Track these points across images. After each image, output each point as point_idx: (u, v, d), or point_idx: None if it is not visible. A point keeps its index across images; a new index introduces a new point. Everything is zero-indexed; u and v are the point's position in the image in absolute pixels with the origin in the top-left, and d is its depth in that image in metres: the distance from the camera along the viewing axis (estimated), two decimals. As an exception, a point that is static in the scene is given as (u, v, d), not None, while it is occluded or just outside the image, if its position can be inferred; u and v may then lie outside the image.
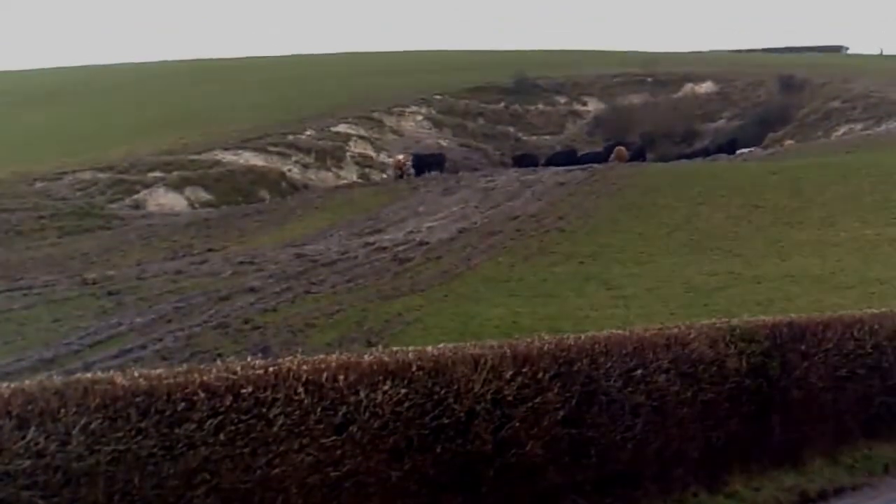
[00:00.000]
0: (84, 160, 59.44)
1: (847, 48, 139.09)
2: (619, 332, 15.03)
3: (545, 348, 13.22)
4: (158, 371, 10.65)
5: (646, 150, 72.41)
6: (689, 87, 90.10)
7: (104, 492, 9.46)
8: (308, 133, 69.70)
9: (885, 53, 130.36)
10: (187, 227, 46.29)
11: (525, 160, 69.05)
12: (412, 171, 61.44)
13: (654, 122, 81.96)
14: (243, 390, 10.47)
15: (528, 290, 29.37)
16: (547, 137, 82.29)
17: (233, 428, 10.27)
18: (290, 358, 11.56)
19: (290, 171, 63.91)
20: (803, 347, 16.29)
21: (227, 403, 10.30)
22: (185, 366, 11.24)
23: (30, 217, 48.25)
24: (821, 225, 37.54)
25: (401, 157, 64.37)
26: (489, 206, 45.06)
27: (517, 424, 12.44)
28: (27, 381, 10.07)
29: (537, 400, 12.66)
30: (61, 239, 44.62)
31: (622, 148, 67.50)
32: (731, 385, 15.15)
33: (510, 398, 12.42)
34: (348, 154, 69.64)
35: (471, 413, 12.03)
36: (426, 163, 63.28)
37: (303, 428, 10.73)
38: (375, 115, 77.06)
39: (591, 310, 26.46)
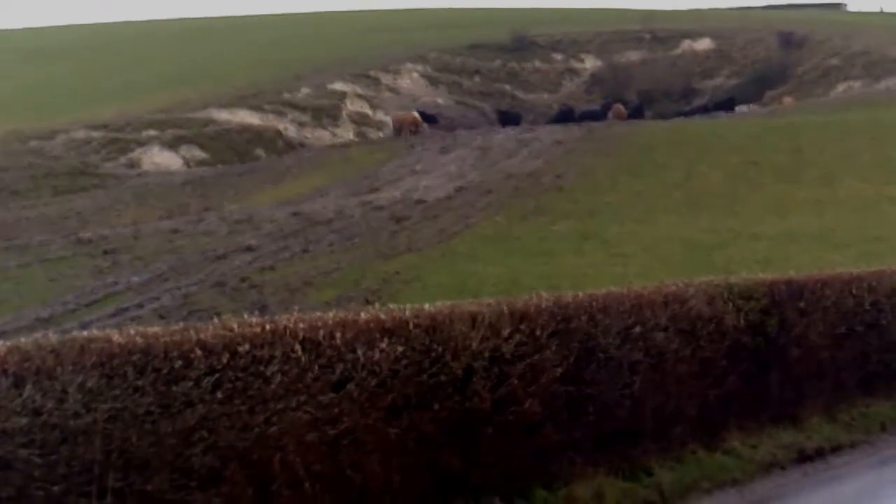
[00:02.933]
0: (78, 119, 59.10)
1: (846, 5, 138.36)
2: (618, 289, 15.01)
3: (543, 306, 13.19)
4: (155, 329, 10.61)
5: (644, 107, 72.14)
6: (687, 44, 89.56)
7: (101, 450, 9.45)
8: (304, 91, 69.33)
9: (884, 11, 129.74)
10: (183, 186, 46.12)
11: (508, 117, 68.79)
12: (425, 127, 61.08)
13: (652, 79, 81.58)
14: (240, 348, 10.44)
15: (526, 248, 29.32)
16: (544, 95, 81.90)
17: (230, 386, 10.25)
18: (287, 316, 11.53)
19: (286, 129, 63.65)
20: (802, 305, 16.29)
21: (225, 361, 10.28)
22: (182, 324, 11.21)
23: (24, 176, 48.01)
24: (820, 183, 37.45)
25: (415, 113, 63.91)
26: (486, 164, 44.89)
27: (515, 382, 12.43)
28: (23, 340, 10.03)
29: (535, 357, 12.65)
30: (56, 198, 44.43)
31: (620, 106, 67.26)
32: (730, 343, 15.16)
33: (508, 355, 12.41)
34: (344, 112, 69.31)
35: (468, 370, 12.02)
36: (427, 120, 63.10)
37: (300, 385, 10.71)
38: (372, 73, 76.60)
39: (589, 268, 26.42)
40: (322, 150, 58.38)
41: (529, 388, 12.56)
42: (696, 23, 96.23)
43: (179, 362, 10.05)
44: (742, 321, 15.32)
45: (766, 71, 79.77)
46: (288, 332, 10.89)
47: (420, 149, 51.24)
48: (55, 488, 9.11)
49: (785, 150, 42.93)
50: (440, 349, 11.82)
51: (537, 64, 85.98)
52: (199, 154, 56.91)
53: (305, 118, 66.07)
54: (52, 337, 10.12)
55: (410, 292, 23.59)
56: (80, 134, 56.39)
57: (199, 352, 10.19)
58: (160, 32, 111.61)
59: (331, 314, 11.73)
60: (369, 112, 70.99)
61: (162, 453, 9.70)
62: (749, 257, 26.52)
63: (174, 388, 9.94)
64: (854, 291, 17.13)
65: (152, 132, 57.62)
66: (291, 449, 10.59)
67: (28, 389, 9.29)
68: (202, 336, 10.40)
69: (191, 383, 10.04)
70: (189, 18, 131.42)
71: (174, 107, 62.81)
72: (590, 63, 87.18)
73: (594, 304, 13.78)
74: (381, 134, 65.98)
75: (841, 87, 72.67)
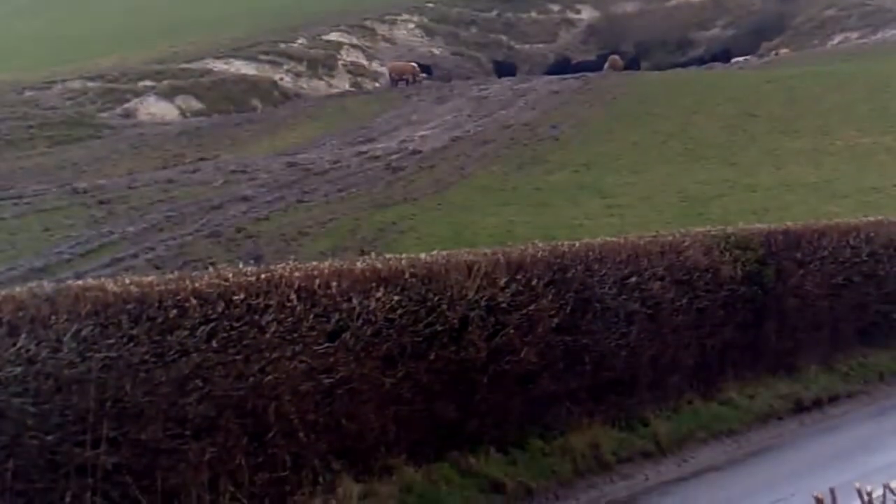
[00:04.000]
0: (73, 69, 58.69)
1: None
2: (614, 239, 14.97)
3: (539, 255, 13.15)
4: (150, 278, 10.58)
5: (640, 58, 71.68)
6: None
7: (96, 399, 9.40)
8: (300, 41, 68.80)
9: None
10: (178, 136, 45.84)
11: (504, 68, 68.28)
12: (423, 76, 60.64)
13: (649, 30, 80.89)
14: (235, 297, 10.37)
15: (522, 198, 29.23)
16: (540, 46, 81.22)
17: (225, 335, 10.20)
18: (282, 265, 11.47)
19: (281, 79, 63.23)
20: (799, 255, 16.25)
21: (220, 310, 10.22)
22: (177, 274, 11.13)
23: (19, 126, 47.67)
24: (816, 133, 37.23)
25: (415, 63, 63.38)
26: (482, 114, 44.63)
27: (511, 332, 12.39)
28: (17, 289, 9.97)
29: (531, 307, 12.60)
30: (51, 148, 44.14)
31: (616, 57, 66.75)
32: (726, 293, 15.12)
33: (504, 305, 12.36)
34: (340, 63, 68.85)
35: (464, 320, 11.97)
36: (423, 71, 62.66)
37: (295, 335, 10.66)
38: (368, 23, 75.97)
39: (585, 218, 26.36)
40: (318, 100, 58.03)
41: (525, 338, 12.52)
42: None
43: (174, 311, 9.98)
44: (739, 271, 15.27)
45: (762, 22, 79.06)
46: (283, 281, 10.83)
47: (416, 99, 50.94)
48: (49, 437, 9.08)
49: (781, 101, 42.70)
50: (436, 299, 11.76)
51: (534, 15, 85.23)
52: (194, 104, 56.56)
53: (301, 68, 65.63)
54: (47, 286, 10.06)
55: (406, 242, 23.52)
56: (76, 84, 56.02)
57: (194, 301, 10.11)
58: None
59: (326, 263, 11.67)
60: (365, 62, 70.50)
61: (156, 402, 9.66)
62: (745, 208, 26.46)
63: (169, 338, 9.88)
64: (851, 242, 17.08)
65: (148, 82, 57.25)
66: (286, 398, 10.55)
67: (23, 338, 9.23)
68: (197, 285, 10.33)
69: (186, 332, 9.98)
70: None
71: (170, 57, 62.37)
72: (586, 14, 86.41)
73: (590, 253, 13.72)
74: (376, 84, 65.56)
75: (837, 38, 72.16)
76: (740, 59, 70.09)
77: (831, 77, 48.03)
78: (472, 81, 60.65)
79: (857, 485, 4.71)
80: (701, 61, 71.52)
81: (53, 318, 9.44)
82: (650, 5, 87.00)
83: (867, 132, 36.69)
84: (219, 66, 61.85)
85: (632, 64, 67.51)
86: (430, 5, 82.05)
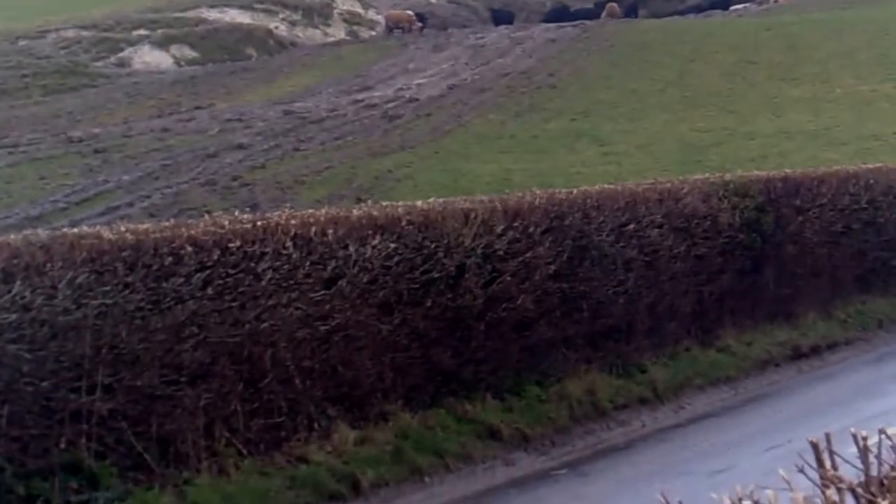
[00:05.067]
0: (67, 18, 58.22)
1: None
2: (612, 187, 15.00)
3: (537, 203, 13.12)
4: (146, 226, 10.58)
5: (638, 5, 71.07)
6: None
7: (91, 345, 9.39)
8: (296, -10, 68.25)
9: None
10: (173, 85, 45.58)
11: (500, 16, 67.70)
12: (419, 25, 60.16)
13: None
14: (231, 244, 10.35)
15: (520, 146, 29.12)
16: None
17: (221, 282, 10.18)
18: (278, 213, 11.51)
19: (277, 28, 62.76)
20: (798, 202, 16.21)
21: (215, 258, 10.20)
22: (172, 221, 11.15)
23: (13, 76, 47.40)
24: (815, 81, 37.00)
25: (411, 12, 62.83)
26: (479, 62, 44.34)
27: (508, 279, 12.38)
28: (13, 236, 9.97)
29: (528, 254, 12.59)
30: (46, 97, 43.89)
31: (614, 4, 66.19)
32: (725, 240, 15.10)
33: (501, 252, 12.35)
34: (336, 11, 68.30)
35: (461, 267, 11.96)
36: (419, 19, 62.19)
37: (291, 282, 10.65)
38: (364, -30, 75.35)
39: (582, 166, 26.29)
40: (313, 48, 57.63)
41: (522, 286, 12.52)
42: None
43: (170, 259, 9.95)
44: (737, 218, 15.24)
45: (760, -31, 78.35)
46: (279, 228, 10.80)
47: (413, 47, 50.60)
48: (45, 384, 9.08)
49: (780, 49, 42.42)
50: (433, 246, 11.74)
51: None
52: (189, 53, 56.17)
53: (297, 17, 65.10)
54: (43, 234, 10.09)
55: (403, 190, 23.45)
56: (70, 33, 55.57)
57: (189, 248, 10.08)
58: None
59: (323, 211, 11.72)
60: (361, 11, 69.94)
61: (152, 349, 9.65)
62: (744, 155, 26.32)
63: (164, 285, 9.85)
64: (851, 189, 17.04)
65: (143, 31, 56.82)
66: (282, 345, 10.56)
67: (18, 285, 9.18)
68: (193, 233, 10.31)
69: (181, 279, 9.95)
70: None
71: (165, 6, 61.85)
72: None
73: (588, 201, 13.68)
74: (373, 33, 65.09)
75: (836, -15, 71.50)
76: (739, 6, 69.48)
77: (831, 24, 47.67)
78: (468, 30, 60.26)
79: (853, 430, 4.68)
80: (699, 9, 70.84)
81: (49, 265, 9.40)
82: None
83: (866, 79, 36.48)
84: (213, 14, 61.35)
85: (630, 11, 66.96)
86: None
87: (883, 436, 5.02)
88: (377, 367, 11.28)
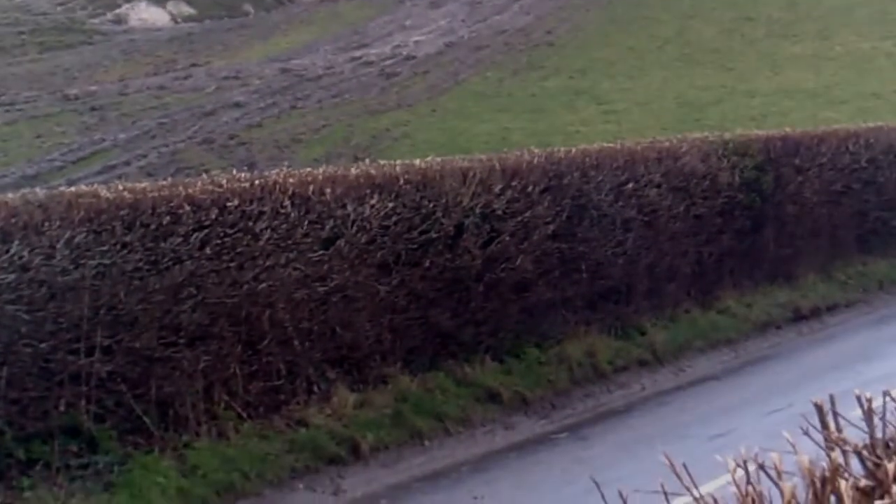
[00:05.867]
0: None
1: None
2: (610, 145, 14.90)
3: (535, 162, 13.05)
4: (143, 185, 10.58)
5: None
6: None
7: (89, 306, 9.36)
8: (291, -56, 67.69)
9: None
10: (170, 42, 45.34)
11: None
12: None
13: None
14: (229, 203, 10.31)
15: (518, 105, 29.01)
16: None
17: (219, 242, 10.16)
18: (276, 171, 11.45)
19: (273, -17, 62.32)
20: (797, 161, 16.10)
21: (213, 217, 10.16)
22: (170, 180, 11.10)
23: (9, 32, 47.09)
24: (815, 38, 36.78)
25: None
26: (476, 19, 44.09)
27: (507, 239, 12.35)
28: (10, 195, 9.96)
29: (527, 214, 12.54)
30: (42, 55, 43.63)
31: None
32: (724, 199, 15.03)
33: (499, 212, 12.30)
34: (333, -35, 67.81)
35: (459, 227, 11.92)
36: None
37: (289, 242, 10.62)
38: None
39: (581, 125, 26.21)
40: (311, 4, 57.25)
41: (521, 246, 12.48)
42: None
43: (168, 218, 9.90)
44: (737, 178, 15.16)
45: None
46: (277, 187, 10.75)
47: (410, 4, 50.27)
48: (43, 345, 9.06)
49: (780, 5, 42.10)
50: (431, 205, 11.69)
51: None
52: (186, 9, 55.78)
53: (294, -27, 64.63)
54: (40, 192, 10.00)
55: (400, 149, 23.37)
56: (67, -10, 55.18)
57: (187, 207, 10.03)
58: None
59: (320, 170, 11.63)
60: (358, -34, 69.45)
61: (150, 310, 9.62)
62: (743, 114, 26.27)
63: (162, 244, 9.82)
64: (851, 148, 16.90)
65: (139, -13, 56.43)
66: (280, 306, 10.53)
67: (15, 245, 9.16)
68: (190, 191, 10.25)
69: (179, 239, 9.92)
70: None
71: (162, -40, 61.37)
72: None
73: (587, 160, 13.60)
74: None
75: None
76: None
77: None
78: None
79: (857, 392, 4.65)
80: (698, -34, 70.42)
81: (46, 224, 9.37)
82: None
83: (867, 37, 36.27)
84: (210, -32, 60.89)
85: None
86: None
87: (888, 398, 4.99)
88: (376, 329, 11.26)
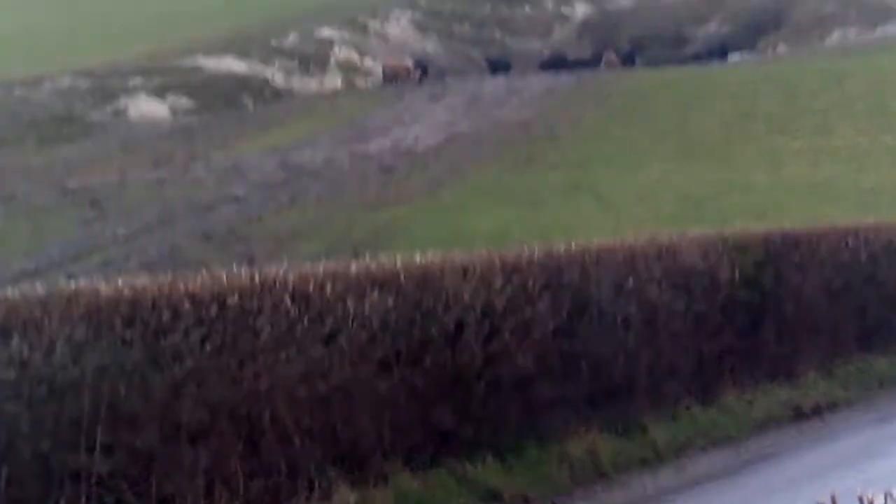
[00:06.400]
0: (62, 66, 58.70)
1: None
2: (610, 242, 14.98)
3: (535, 258, 13.11)
4: (143, 280, 10.58)
5: (635, 55, 71.87)
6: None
7: (90, 403, 9.36)
8: (291, 38, 68.88)
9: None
10: (169, 135, 46.01)
11: (497, 65, 68.42)
12: (418, 74, 60.59)
13: (644, 26, 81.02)
14: (229, 300, 10.37)
15: (517, 199, 29.32)
16: (534, 42, 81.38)
17: (219, 338, 10.19)
18: (276, 267, 11.44)
19: (273, 76, 63.31)
20: (797, 258, 16.21)
21: (213, 313, 10.22)
22: (169, 276, 11.09)
23: (8, 125, 47.82)
24: (814, 132, 37.27)
25: (409, 61, 63.35)
26: (477, 113, 44.73)
27: (507, 336, 12.34)
28: (10, 291, 9.98)
29: (527, 311, 12.55)
30: (41, 147, 44.26)
31: (611, 53, 66.98)
32: (724, 296, 15.07)
33: (500, 309, 12.31)
34: (332, 59, 68.91)
35: (460, 324, 11.92)
36: (417, 67, 62.83)
37: (290, 338, 10.65)
38: (360, 19, 76.04)
39: (581, 219, 26.44)
40: (310, 98, 58.22)
41: (521, 343, 12.48)
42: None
43: (168, 314, 9.97)
44: (737, 274, 15.22)
45: (759, 17, 79.02)
46: (278, 283, 10.82)
47: (409, 97, 51.04)
48: (43, 443, 9.04)
49: (779, 99, 42.75)
50: (431, 302, 11.73)
51: (527, 10, 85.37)
52: (185, 102, 56.65)
53: (293, 65, 65.71)
54: (40, 289, 10.06)
55: (400, 244, 23.54)
56: (66, 82, 56.04)
57: (187, 304, 10.10)
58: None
59: (320, 266, 11.67)
60: (357, 59, 70.56)
61: (151, 407, 9.63)
62: (743, 209, 26.50)
63: (162, 341, 9.87)
64: (850, 244, 17.05)
65: (138, 80, 57.33)
66: (281, 403, 10.52)
67: (15, 342, 9.22)
68: (191, 287, 10.32)
69: (179, 336, 9.96)
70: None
71: (160, 54, 62.42)
72: (580, 9, 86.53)
73: (586, 256, 13.68)
74: (369, 82, 65.64)
75: (836, 34, 72.26)
76: (737, 55, 70.19)
77: (830, 74, 48.03)
78: (466, 79, 60.81)
79: (859, 491, 4.67)
80: (697, 58, 71.56)
81: (46, 321, 9.42)
82: (645, 0, 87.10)
83: (866, 131, 36.78)
84: (209, 63, 61.92)
85: (627, 60, 67.73)
86: (423, 1, 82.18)
87: (889, 497, 4.99)
88: (376, 427, 11.22)
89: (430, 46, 76.49)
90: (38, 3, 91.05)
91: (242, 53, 63.85)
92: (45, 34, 74.02)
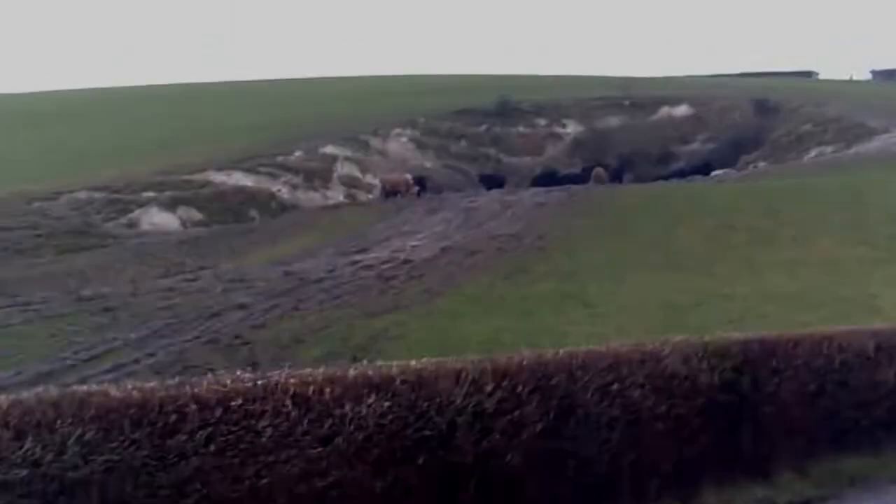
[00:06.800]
0: (80, 180, 59.59)
1: (818, 73, 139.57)
2: (596, 347, 15.33)
3: (524, 363, 13.57)
4: (151, 384, 11.01)
5: (623, 171, 72.71)
6: (665, 110, 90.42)
7: (98, 500, 9.80)
8: (297, 154, 69.93)
9: (854, 79, 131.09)
10: (180, 246, 46.44)
11: (491, 181, 69.21)
12: (416, 189, 61.36)
13: (632, 143, 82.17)
14: (233, 402, 10.85)
15: (509, 307, 29.48)
16: (527, 159, 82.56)
17: (223, 439, 10.64)
18: (278, 372, 11.90)
19: (279, 191, 64.06)
20: (774, 363, 16.57)
21: (218, 415, 10.68)
22: (177, 379, 11.54)
23: (28, 236, 48.34)
24: (793, 244, 37.56)
25: (409, 176, 64.23)
26: (471, 225, 45.17)
27: (497, 437, 12.77)
28: (24, 394, 10.46)
29: (516, 413, 13.00)
30: (58, 257, 44.69)
31: (601, 169, 67.71)
32: (704, 400, 15.43)
33: (490, 411, 12.75)
34: (335, 175, 69.90)
35: (452, 425, 12.37)
36: (417, 183, 63.59)
37: (290, 439, 11.08)
38: (362, 136, 77.35)
39: (568, 326, 26.55)
40: (314, 211, 58.75)
41: (511, 443, 12.90)
42: (673, 90, 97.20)
43: (174, 416, 10.46)
44: (716, 379, 15.63)
45: (741, 136, 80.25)
46: (279, 387, 11.31)
47: (408, 210, 51.60)
48: (55, 537, 9.34)
49: (760, 213, 43.20)
50: (425, 405, 12.20)
51: (521, 129, 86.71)
52: (195, 215, 57.30)
53: (298, 180, 66.53)
54: (53, 391, 10.55)
55: (397, 349, 23.86)
56: (82, 195, 56.81)
57: (193, 406, 10.61)
58: (158, 96, 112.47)
59: (320, 370, 12.12)
60: (359, 175, 71.56)
61: (157, 504, 9.95)
62: (723, 317, 26.66)
63: (169, 441, 10.33)
64: (825, 350, 17.38)
65: (151, 193, 58.07)
66: (282, 501, 10.93)
67: (28, 442, 9.67)
68: (196, 391, 10.83)
69: (185, 436, 10.44)
70: (185, 84, 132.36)
71: (173, 169, 63.26)
72: (572, 128, 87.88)
73: (574, 361, 14.16)
74: (370, 196, 66.42)
75: (814, 152, 73.30)
76: (720, 171, 71.07)
77: (808, 190, 48.77)
78: (461, 193, 61.56)
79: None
80: (682, 174, 72.50)
81: (58, 422, 9.89)
82: (633, 120, 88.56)
83: (842, 243, 37.16)
84: (219, 177, 62.76)
85: (615, 176, 68.47)
86: (422, 120, 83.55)
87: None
88: (371, 526, 11.51)
89: (428, 162, 77.54)
90: (59, 122, 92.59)
91: (250, 169, 64.78)
92: (64, 150, 75.10)
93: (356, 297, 31.33)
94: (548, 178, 68.53)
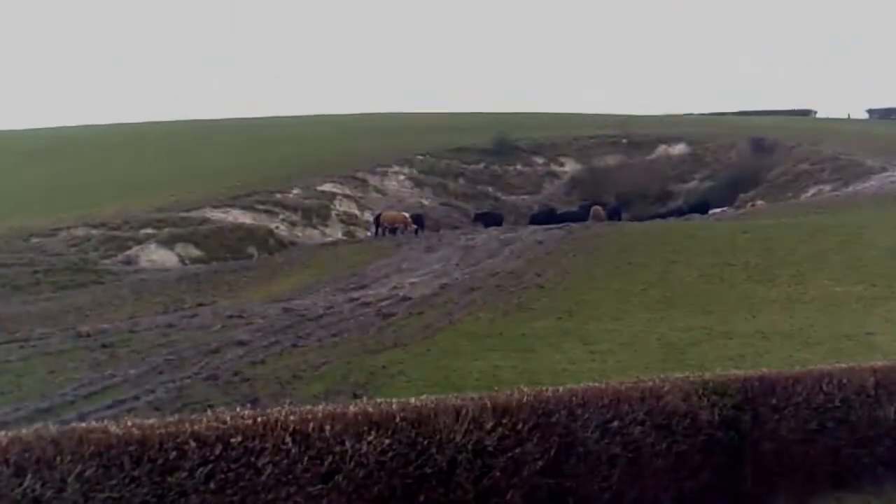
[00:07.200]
0: (78, 217, 59.81)
1: (815, 112, 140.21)
2: (596, 385, 15.33)
3: (524, 400, 13.59)
4: (151, 421, 11.04)
5: (621, 209, 72.90)
6: (662, 148, 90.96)
7: (98, 538, 9.67)
8: (295, 192, 70.24)
9: (852, 118, 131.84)
10: (178, 282, 46.56)
11: (488, 219, 69.32)
12: (414, 227, 61.55)
13: (630, 182, 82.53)
14: (233, 440, 10.88)
15: (508, 344, 29.54)
16: (525, 197, 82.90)
17: (223, 476, 10.65)
18: (277, 409, 11.93)
19: (277, 228, 64.30)
20: (774, 401, 16.57)
21: (217, 452, 10.70)
22: (176, 416, 11.57)
23: (26, 272, 48.49)
24: (791, 282, 37.73)
25: (406, 214, 64.48)
26: (470, 263, 45.30)
27: (497, 474, 12.76)
28: (24, 430, 10.46)
29: (517, 450, 13.01)
30: (56, 293, 44.81)
31: (598, 207, 67.96)
32: (704, 437, 15.45)
33: (490, 448, 12.76)
34: (333, 212, 70.13)
35: (452, 463, 12.38)
36: (415, 221, 63.78)
37: (290, 476, 11.09)
38: (360, 174, 77.70)
39: (568, 363, 26.60)
40: (312, 248, 58.91)
41: (511, 481, 12.89)
42: (671, 128, 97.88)
43: (174, 453, 10.48)
44: (716, 416, 15.65)
45: (738, 175, 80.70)
46: (279, 424, 11.33)
47: (406, 248, 51.75)
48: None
49: (757, 251, 43.38)
50: (425, 442, 12.22)
51: (519, 167, 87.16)
52: (193, 252, 57.47)
53: (296, 217, 66.80)
54: (52, 428, 10.55)
55: (396, 386, 23.87)
56: (80, 231, 57.01)
57: (192, 443, 10.62)
58: (157, 134, 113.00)
59: (320, 407, 12.15)
60: (357, 212, 71.79)
61: (157, 542, 9.93)
62: (723, 354, 26.76)
63: (169, 479, 10.34)
64: (824, 388, 17.36)
65: (149, 230, 58.29)
66: (281, 538, 10.88)
67: (28, 479, 9.69)
68: (196, 428, 10.85)
69: (185, 474, 10.44)
70: (184, 121, 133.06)
71: (171, 206, 63.51)
72: (569, 166, 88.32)
73: (574, 398, 14.19)
74: (368, 233, 66.59)
75: (811, 191, 73.74)
76: (718, 210, 71.32)
77: (805, 228, 48.98)
78: (459, 231, 61.78)
79: None
80: (680, 212, 72.80)
81: (58, 459, 9.91)
82: (631, 159, 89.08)
83: (840, 281, 37.29)
84: (217, 214, 63.01)
85: (613, 214, 68.68)
86: (420, 157, 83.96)
87: None
88: (372, 563, 11.51)
89: (427, 200, 77.85)
90: (57, 159, 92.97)
91: (248, 206, 65.02)
92: (63, 188, 75.38)
93: (355, 334, 31.38)
94: (545, 216, 68.72)
